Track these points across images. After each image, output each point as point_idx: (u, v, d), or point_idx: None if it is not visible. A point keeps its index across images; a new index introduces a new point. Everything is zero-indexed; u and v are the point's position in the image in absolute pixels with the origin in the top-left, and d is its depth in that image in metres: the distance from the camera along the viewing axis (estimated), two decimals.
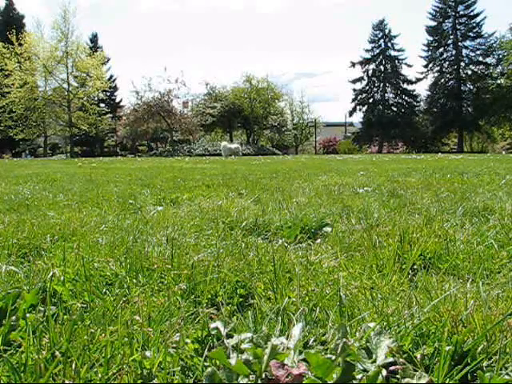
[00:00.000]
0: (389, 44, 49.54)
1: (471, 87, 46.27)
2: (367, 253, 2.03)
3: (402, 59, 49.69)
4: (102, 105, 43.63)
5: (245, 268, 1.75)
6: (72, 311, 1.35)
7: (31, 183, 6.16)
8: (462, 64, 46.14)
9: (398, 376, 0.94)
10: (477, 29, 45.46)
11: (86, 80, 35.65)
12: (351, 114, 51.53)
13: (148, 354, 1.02)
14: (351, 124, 53.67)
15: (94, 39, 47.42)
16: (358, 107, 50.63)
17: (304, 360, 0.96)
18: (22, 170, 10.22)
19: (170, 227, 2.54)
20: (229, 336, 1.10)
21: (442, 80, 47.05)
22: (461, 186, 4.94)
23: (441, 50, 47.04)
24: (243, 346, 1.02)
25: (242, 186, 5.28)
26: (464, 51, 46.14)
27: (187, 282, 1.60)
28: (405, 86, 49.77)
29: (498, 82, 43.83)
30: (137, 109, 38.15)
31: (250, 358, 0.94)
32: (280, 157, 26.15)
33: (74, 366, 0.96)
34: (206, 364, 1.02)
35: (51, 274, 1.55)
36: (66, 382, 0.94)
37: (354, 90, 50.65)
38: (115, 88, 48.29)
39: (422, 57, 48.36)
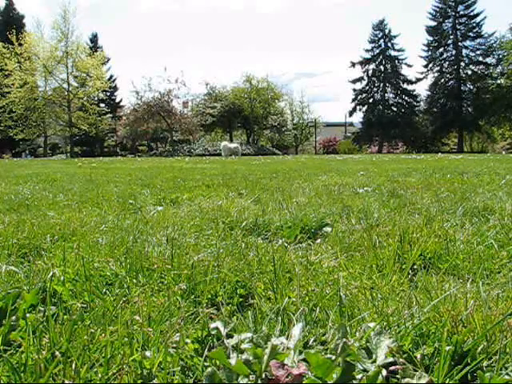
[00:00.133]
0: (389, 44, 49.56)
1: (471, 87, 46.29)
2: (367, 253, 2.03)
3: (402, 59, 49.75)
4: (102, 105, 43.63)
5: (245, 268, 1.75)
6: (72, 311, 1.35)
7: (31, 183, 6.16)
8: (462, 64, 46.15)
9: (397, 376, 0.94)
10: (477, 29, 45.49)
11: (86, 80, 35.65)
12: (351, 114, 51.60)
13: (148, 354, 1.02)
14: (351, 124, 53.69)
15: (94, 39, 47.43)
16: (357, 107, 50.67)
17: (304, 360, 0.96)
18: (21, 170, 10.22)
19: (170, 227, 2.54)
20: (229, 336, 1.10)
21: (442, 80, 47.06)
22: (461, 186, 4.94)
23: (441, 50, 47.06)
24: (243, 345, 1.01)
25: (242, 186, 5.28)
26: (464, 51, 46.18)
27: (187, 282, 1.60)
28: (405, 86, 49.80)
29: (498, 81, 43.84)
30: (137, 109, 38.15)
31: (250, 358, 0.94)
32: (280, 157, 26.15)
33: (73, 366, 0.96)
34: (205, 364, 1.02)
35: (51, 274, 1.55)
36: (66, 382, 0.94)
37: (354, 90, 50.70)
38: (115, 88, 48.30)
39: (422, 57, 48.45)
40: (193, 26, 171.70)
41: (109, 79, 42.49)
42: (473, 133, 46.49)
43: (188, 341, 1.11)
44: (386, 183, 5.56)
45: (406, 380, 0.92)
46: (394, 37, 49.60)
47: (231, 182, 6.06)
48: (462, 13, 45.79)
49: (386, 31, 49.50)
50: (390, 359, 0.98)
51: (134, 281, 1.65)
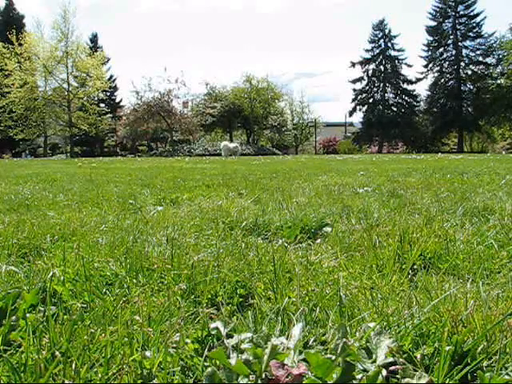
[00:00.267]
0: (389, 44, 49.57)
1: (471, 87, 46.30)
2: (367, 253, 2.03)
3: (402, 59, 49.77)
4: (102, 105, 43.63)
5: (245, 268, 1.75)
6: (72, 311, 1.35)
7: (31, 183, 6.16)
8: (462, 64, 46.16)
9: (397, 376, 0.94)
10: (477, 29, 45.50)
11: (86, 80, 35.66)
12: (351, 114, 51.61)
13: (148, 353, 1.02)
14: (351, 124, 53.70)
15: (94, 39, 47.45)
16: (357, 107, 50.68)
17: (304, 360, 0.96)
18: (21, 170, 10.22)
19: (170, 227, 2.54)
20: (229, 336, 1.10)
21: (442, 80, 47.07)
22: (461, 186, 4.94)
23: (441, 50, 47.08)
24: (243, 346, 1.01)
25: (242, 186, 5.28)
26: (464, 51, 46.19)
27: (187, 282, 1.60)
28: (405, 86, 49.81)
29: (498, 81, 43.84)
30: (137, 109, 38.16)
31: (250, 358, 0.94)
32: (280, 157, 26.15)
33: (73, 366, 0.96)
34: (205, 364, 1.02)
35: (51, 274, 1.55)
36: (66, 382, 0.94)
37: (354, 90, 50.70)
38: (115, 88, 48.31)
39: (421, 57, 48.47)
40: (193, 26, 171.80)
41: (109, 79, 42.51)
42: (473, 133, 46.50)
43: (188, 341, 1.11)
44: (386, 183, 5.56)
45: (406, 380, 0.92)
46: (394, 37, 49.64)
47: (231, 181, 6.06)
48: (462, 13, 45.81)
49: (386, 31, 49.53)
50: (390, 359, 0.98)
51: (134, 281, 1.65)
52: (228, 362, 0.93)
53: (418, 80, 49.07)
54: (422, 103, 49.99)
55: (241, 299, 1.53)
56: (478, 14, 45.28)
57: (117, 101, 48.99)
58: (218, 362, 0.97)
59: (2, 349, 1.07)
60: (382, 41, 49.69)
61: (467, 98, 45.99)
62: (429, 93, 48.24)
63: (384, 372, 0.92)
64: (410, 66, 49.78)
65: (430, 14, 47.60)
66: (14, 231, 2.42)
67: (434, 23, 47.34)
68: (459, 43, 46.01)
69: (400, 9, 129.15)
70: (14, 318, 1.19)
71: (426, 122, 48.37)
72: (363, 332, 1.09)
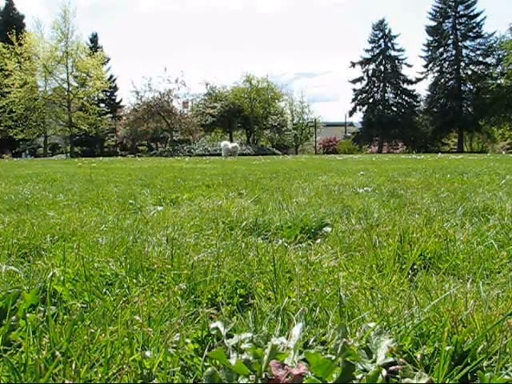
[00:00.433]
0: (389, 44, 49.58)
1: (471, 87, 46.32)
2: (367, 253, 2.03)
3: (402, 59, 49.79)
4: (102, 105, 43.64)
5: (245, 268, 1.75)
6: (72, 311, 1.35)
7: (31, 183, 6.16)
8: (462, 64, 46.18)
9: (397, 376, 0.94)
10: (477, 29, 45.52)
11: (86, 80, 35.67)
12: (351, 113, 51.63)
13: (148, 353, 1.02)
14: (351, 124, 53.71)
15: (94, 39, 47.45)
16: (357, 107, 50.70)
17: (304, 360, 0.96)
18: (21, 170, 10.22)
19: (170, 227, 2.54)
20: (229, 336, 1.10)
21: (442, 80, 47.09)
22: (461, 186, 4.94)
23: (441, 50, 47.10)
24: (243, 345, 1.01)
25: (242, 186, 5.28)
26: (464, 51, 46.21)
27: (187, 282, 1.60)
28: (405, 85, 49.84)
29: (498, 81, 43.86)
30: (137, 109, 38.17)
31: (250, 358, 0.94)
32: (280, 157, 26.14)
33: (73, 366, 0.96)
34: (206, 364, 1.02)
35: (51, 274, 1.55)
36: (66, 381, 0.94)
37: (354, 90, 50.73)
38: (115, 88, 48.32)
39: (421, 57, 48.50)
40: (193, 26, 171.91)
41: (109, 79, 42.52)
42: (473, 133, 46.52)
43: (188, 341, 1.11)
44: (385, 183, 5.56)
45: (406, 380, 0.92)
46: (394, 37, 49.66)
47: (231, 181, 6.06)
48: (462, 13, 45.83)
49: (386, 31, 49.55)
50: (390, 359, 0.98)
51: (134, 281, 1.65)
52: (228, 362, 0.93)
53: (418, 80, 49.12)
54: (422, 103, 50.04)
55: (241, 299, 1.53)
56: (477, 14, 45.33)
57: (117, 101, 49.01)
58: (218, 362, 0.97)
59: (2, 349, 1.07)
60: (382, 41, 49.72)
61: (467, 97, 46.01)
62: (429, 93, 48.28)
63: (384, 372, 0.92)
64: (410, 66, 49.86)
65: (429, 14, 47.69)
66: (14, 231, 2.42)
67: (433, 23, 47.39)
68: (459, 43, 46.03)
69: (400, 9, 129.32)
70: (14, 317, 1.19)
71: (426, 122, 48.38)
72: (363, 332, 1.09)
